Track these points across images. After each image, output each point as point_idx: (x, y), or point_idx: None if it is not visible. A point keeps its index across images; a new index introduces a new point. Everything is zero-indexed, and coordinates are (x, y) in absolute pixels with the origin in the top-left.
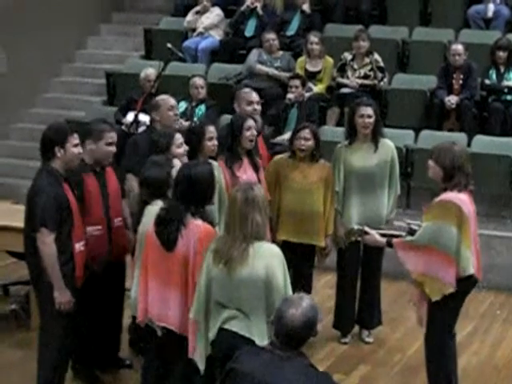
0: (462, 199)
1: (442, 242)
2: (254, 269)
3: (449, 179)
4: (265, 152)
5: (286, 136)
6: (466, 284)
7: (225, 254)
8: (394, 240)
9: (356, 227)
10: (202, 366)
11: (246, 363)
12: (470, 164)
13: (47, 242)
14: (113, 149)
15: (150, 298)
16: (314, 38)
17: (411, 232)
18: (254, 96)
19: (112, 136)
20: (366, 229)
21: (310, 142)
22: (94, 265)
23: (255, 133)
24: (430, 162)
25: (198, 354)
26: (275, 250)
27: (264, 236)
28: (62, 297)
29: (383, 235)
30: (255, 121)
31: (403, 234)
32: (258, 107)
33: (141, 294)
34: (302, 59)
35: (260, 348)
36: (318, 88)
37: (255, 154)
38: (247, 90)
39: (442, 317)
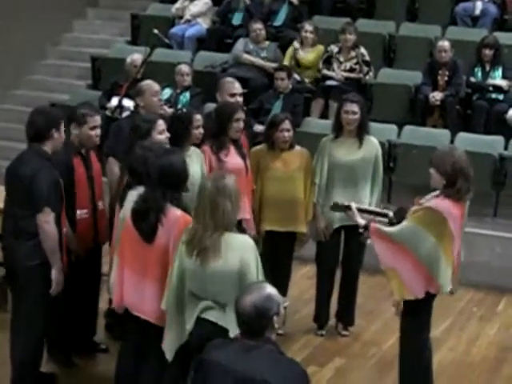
0: (451, 212)
1: (418, 249)
2: (228, 262)
3: (451, 185)
4: (245, 141)
5: None
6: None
7: (197, 244)
8: (372, 225)
9: (340, 202)
10: (169, 356)
11: (216, 354)
12: (471, 167)
13: (50, 221)
14: (96, 132)
15: (125, 287)
16: (309, 26)
17: (398, 216)
18: (237, 87)
19: (95, 120)
20: (352, 204)
21: (291, 133)
22: (80, 250)
23: (242, 125)
24: (431, 171)
25: (167, 343)
26: (247, 241)
27: (234, 225)
28: (60, 276)
29: (367, 212)
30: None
31: (390, 213)
32: (241, 98)
33: (116, 282)
34: (292, 48)
35: (230, 339)
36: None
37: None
38: (230, 79)
39: (414, 320)
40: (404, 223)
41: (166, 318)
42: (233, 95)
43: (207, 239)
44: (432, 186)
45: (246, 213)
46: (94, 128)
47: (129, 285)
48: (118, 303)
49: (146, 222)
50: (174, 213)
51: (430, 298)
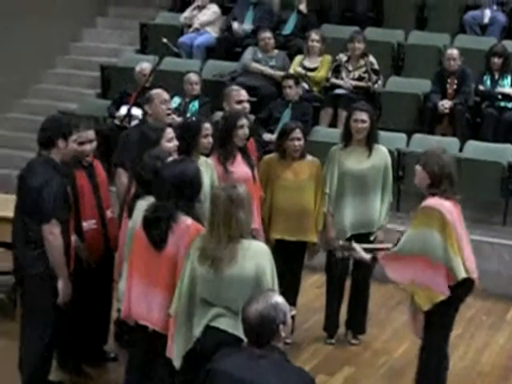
0: (444, 205)
1: (429, 249)
2: (245, 269)
3: (435, 186)
4: (253, 150)
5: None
6: (461, 290)
7: (210, 254)
8: (379, 254)
9: (341, 243)
10: (177, 364)
11: (223, 362)
12: (457, 173)
13: (56, 233)
14: (86, 147)
15: (133, 296)
16: (315, 35)
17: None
18: (244, 94)
19: (84, 135)
20: (354, 245)
21: (302, 142)
22: (91, 260)
23: (247, 131)
24: (418, 168)
25: (174, 351)
26: (264, 248)
27: (248, 233)
28: (66, 288)
29: (369, 250)
30: (248, 119)
31: (390, 246)
32: (248, 105)
33: (126, 290)
34: (300, 57)
35: (238, 348)
36: (315, 76)
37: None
38: (236, 87)
39: (440, 324)
40: (406, 233)
41: (175, 324)
42: (240, 102)
43: (221, 250)
44: (415, 182)
45: (255, 222)
46: (82, 143)
47: (137, 293)
48: (127, 313)
49: (157, 229)
50: (185, 221)
51: (454, 301)
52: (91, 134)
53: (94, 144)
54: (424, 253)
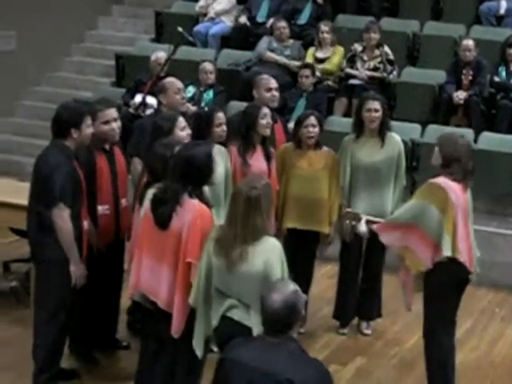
0: (450, 185)
1: (424, 221)
2: (254, 265)
3: (446, 167)
4: (282, 139)
5: (291, 125)
6: (452, 271)
7: (223, 251)
8: (374, 226)
9: (349, 210)
10: (200, 352)
11: (237, 352)
12: (470, 161)
13: (65, 216)
14: (111, 126)
15: (142, 272)
16: (324, 26)
17: None
18: (273, 82)
19: (106, 114)
20: (363, 215)
21: (317, 129)
22: (101, 245)
23: (270, 120)
24: (435, 148)
25: (197, 339)
26: (274, 243)
27: (264, 235)
28: (78, 270)
29: (376, 223)
30: (270, 109)
31: None
32: (277, 93)
33: (134, 268)
34: (312, 49)
35: (252, 337)
36: (325, 67)
37: (269, 143)
38: (266, 76)
39: (435, 311)
40: (408, 202)
41: (196, 314)
42: (269, 90)
43: (234, 249)
44: (432, 161)
45: None
46: (106, 122)
47: (145, 269)
48: (134, 287)
49: (162, 210)
50: (191, 202)
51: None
52: (114, 112)
53: (119, 123)
54: (420, 223)
